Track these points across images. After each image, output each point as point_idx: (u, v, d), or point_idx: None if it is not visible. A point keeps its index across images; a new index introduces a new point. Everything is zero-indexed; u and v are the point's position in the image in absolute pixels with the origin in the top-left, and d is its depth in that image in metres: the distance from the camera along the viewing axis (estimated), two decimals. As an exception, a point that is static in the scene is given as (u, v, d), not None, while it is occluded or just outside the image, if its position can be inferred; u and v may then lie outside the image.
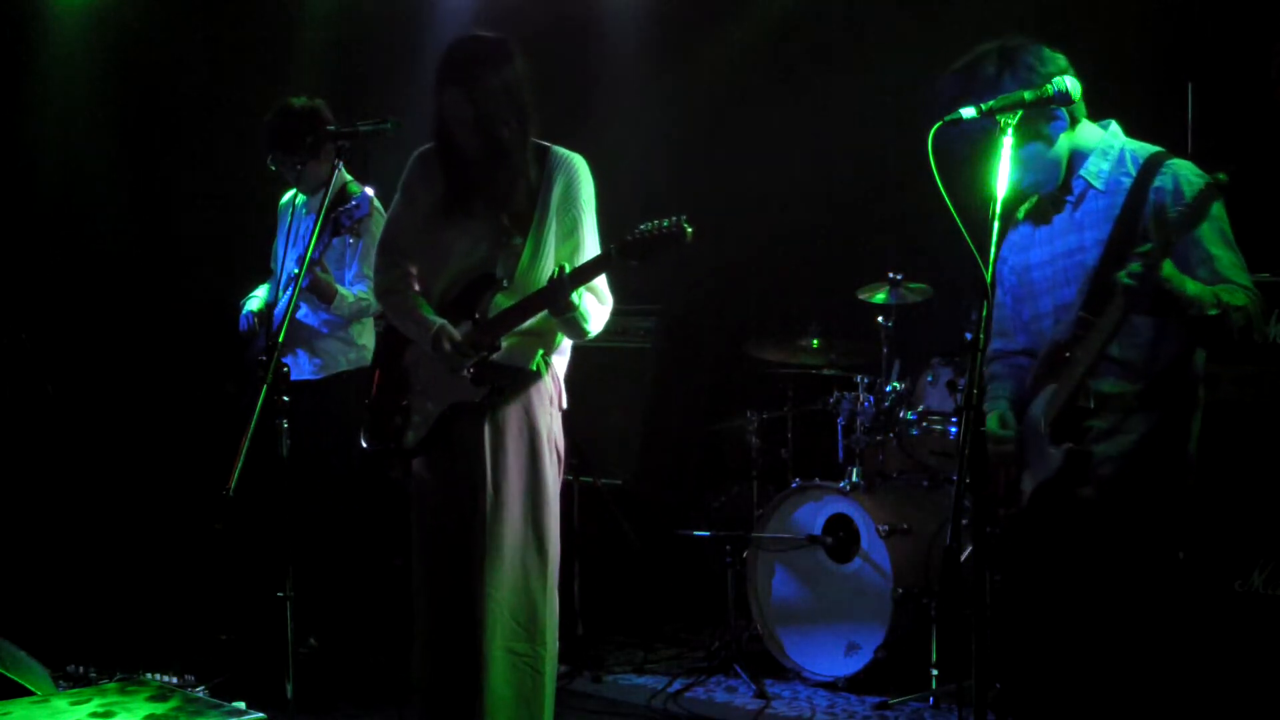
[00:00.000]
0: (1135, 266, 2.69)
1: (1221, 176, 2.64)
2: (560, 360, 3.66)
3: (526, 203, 3.52)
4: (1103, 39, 5.01)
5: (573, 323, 3.47)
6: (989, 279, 2.68)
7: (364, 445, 3.70)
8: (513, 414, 3.51)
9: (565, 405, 3.66)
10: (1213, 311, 2.77)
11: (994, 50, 2.99)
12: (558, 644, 3.59)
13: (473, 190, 3.54)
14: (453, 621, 3.53)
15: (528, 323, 3.49)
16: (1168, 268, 2.69)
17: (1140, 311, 2.81)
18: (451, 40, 3.59)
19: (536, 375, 3.55)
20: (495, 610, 3.44)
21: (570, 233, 3.52)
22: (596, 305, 3.55)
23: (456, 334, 3.46)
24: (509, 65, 3.50)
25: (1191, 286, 2.76)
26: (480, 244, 3.53)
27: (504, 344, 3.49)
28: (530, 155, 3.53)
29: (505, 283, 3.48)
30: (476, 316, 3.47)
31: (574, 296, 3.37)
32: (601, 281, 3.57)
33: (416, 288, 3.64)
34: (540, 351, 3.55)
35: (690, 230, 3.28)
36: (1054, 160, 3.05)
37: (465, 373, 3.47)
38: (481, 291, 3.50)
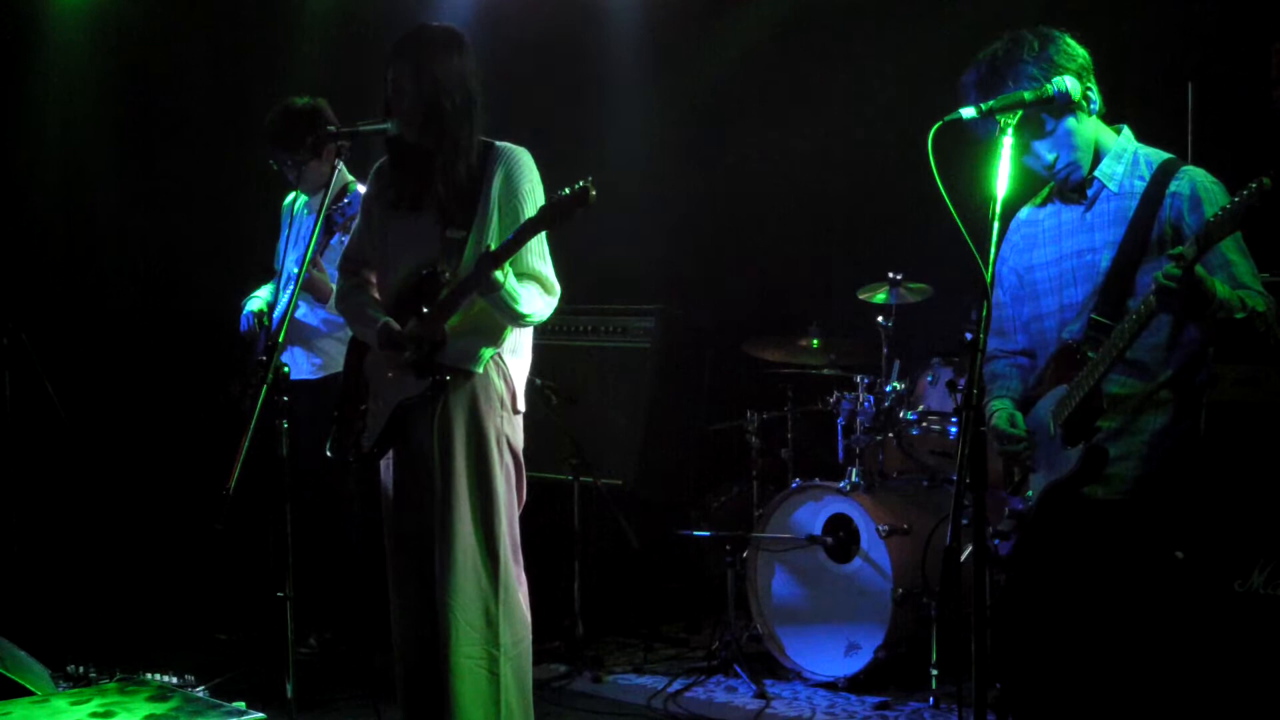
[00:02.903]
0: (1172, 268, 2.69)
1: (1266, 181, 2.61)
2: (516, 363, 3.63)
3: (469, 197, 3.52)
4: (1103, 39, 5.00)
5: (502, 304, 3.41)
6: (989, 279, 2.68)
7: (328, 454, 3.71)
8: (459, 416, 3.50)
9: (521, 408, 3.65)
10: (1240, 315, 2.79)
11: (1020, 38, 2.98)
12: (524, 642, 3.58)
13: (412, 180, 3.56)
14: (416, 624, 3.56)
15: (468, 315, 3.46)
16: (1200, 269, 2.70)
17: (1171, 312, 2.82)
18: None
19: (483, 376, 3.53)
20: (450, 617, 3.45)
21: (512, 225, 3.46)
22: (538, 293, 3.51)
23: (398, 327, 3.48)
24: (458, 53, 3.53)
25: (1221, 289, 2.77)
26: (427, 243, 3.54)
27: (450, 342, 3.47)
28: (475, 145, 3.53)
29: (448, 277, 3.46)
30: (425, 311, 3.46)
31: (498, 275, 3.33)
32: (549, 271, 3.56)
33: (376, 294, 3.67)
34: (487, 352, 3.53)
35: (594, 193, 3.25)
36: (1087, 142, 3.04)
37: (407, 358, 3.46)
38: (429, 289, 3.48)
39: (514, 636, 3.54)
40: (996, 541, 3.14)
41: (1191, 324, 2.93)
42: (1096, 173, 3.06)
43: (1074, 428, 2.98)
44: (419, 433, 3.53)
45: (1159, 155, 3.06)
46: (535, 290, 3.51)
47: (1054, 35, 2.99)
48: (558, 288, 3.59)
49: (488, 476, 3.51)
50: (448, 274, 3.46)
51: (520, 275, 3.46)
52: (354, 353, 3.77)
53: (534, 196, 3.53)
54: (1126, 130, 3.12)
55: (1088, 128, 3.03)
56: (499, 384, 3.56)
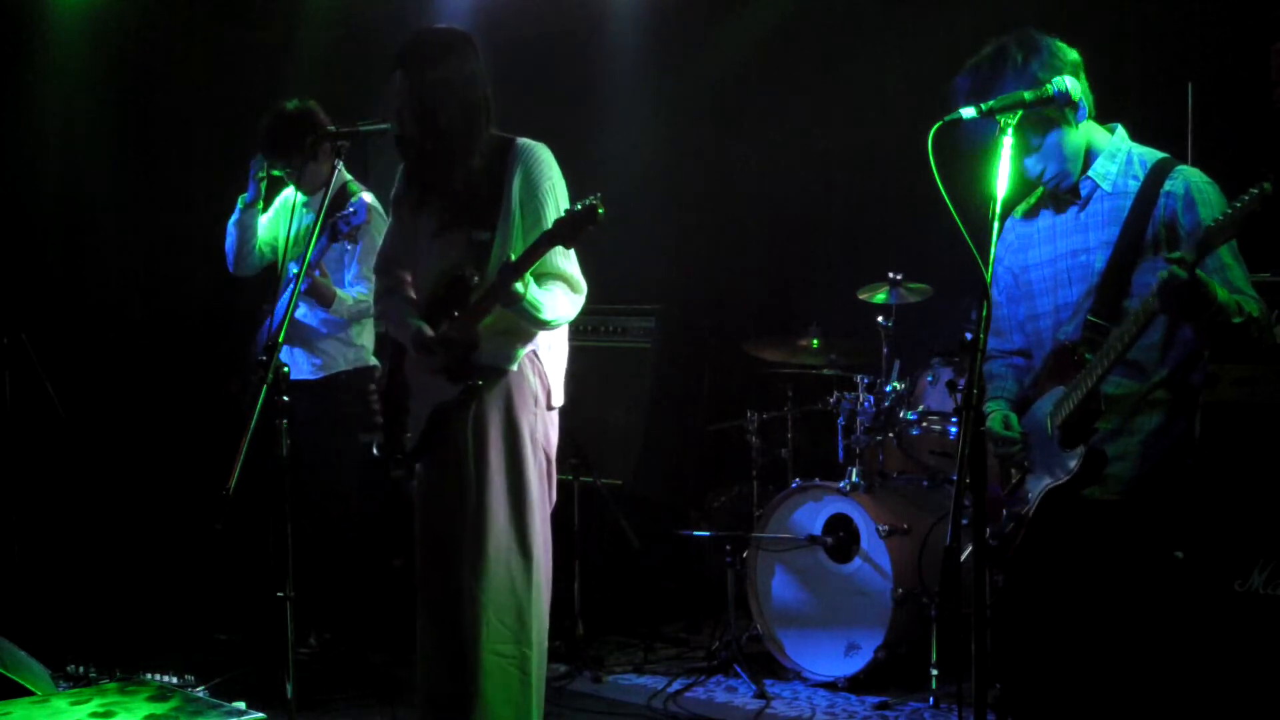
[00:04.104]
0: (1177, 270, 2.69)
1: (1267, 186, 2.60)
2: (551, 358, 3.62)
3: (490, 199, 3.50)
4: (1103, 39, 5.01)
5: (524, 314, 3.40)
6: (988, 279, 2.68)
7: (375, 453, 3.72)
8: (494, 415, 3.49)
9: (556, 404, 3.63)
10: (1237, 320, 2.79)
11: (1013, 41, 2.98)
12: (545, 642, 3.59)
13: (428, 183, 3.56)
14: (444, 623, 3.54)
15: (501, 315, 3.44)
16: (1200, 272, 2.70)
17: (1170, 313, 2.82)
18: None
19: (518, 375, 3.52)
20: (482, 613, 3.45)
21: (535, 225, 3.45)
22: (563, 294, 3.50)
23: (430, 332, 3.47)
24: (456, 55, 3.50)
25: (1221, 293, 2.77)
26: (454, 245, 3.53)
27: (483, 343, 3.46)
28: (486, 147, 3.51)
29: (476, 280, 3.45)
30: (456, 315, 3.46)
31: (518, 286, 3.30)
32: (574, 269, 3.55)
33: (412, 294, 3.66)
34: (520, 350, 3.52)
35: (602, 210, 3.23)
36: (1076, 151, 3.04)
37: (440, 363, 3.46)
38: (459, 292, 3.48)
39: (539, 635, 3.55)
40: (995, 542, 3.13)
41: (1187, 326, 2.93)
42: (1090, 173, 3.05)
43: (1072, 429, 2.97)
44: (454, 432, 3.52)
45: (1153, 154, 3.06)
46: (560, 291, 3.49)
47: (1041, 42, 2.97)
48: (584, 285, 3.57)
49: (521, 474, 3.50)
50: (476, 278, 3.45)
51: (546, 275, 3.45)
52: (395, 353, 3.76)
53: (555, 195, 3.51)
54: (1120, 129, 3.11)
55: (1076, 135, 3.03)
56: (533, 381, 3.55)
